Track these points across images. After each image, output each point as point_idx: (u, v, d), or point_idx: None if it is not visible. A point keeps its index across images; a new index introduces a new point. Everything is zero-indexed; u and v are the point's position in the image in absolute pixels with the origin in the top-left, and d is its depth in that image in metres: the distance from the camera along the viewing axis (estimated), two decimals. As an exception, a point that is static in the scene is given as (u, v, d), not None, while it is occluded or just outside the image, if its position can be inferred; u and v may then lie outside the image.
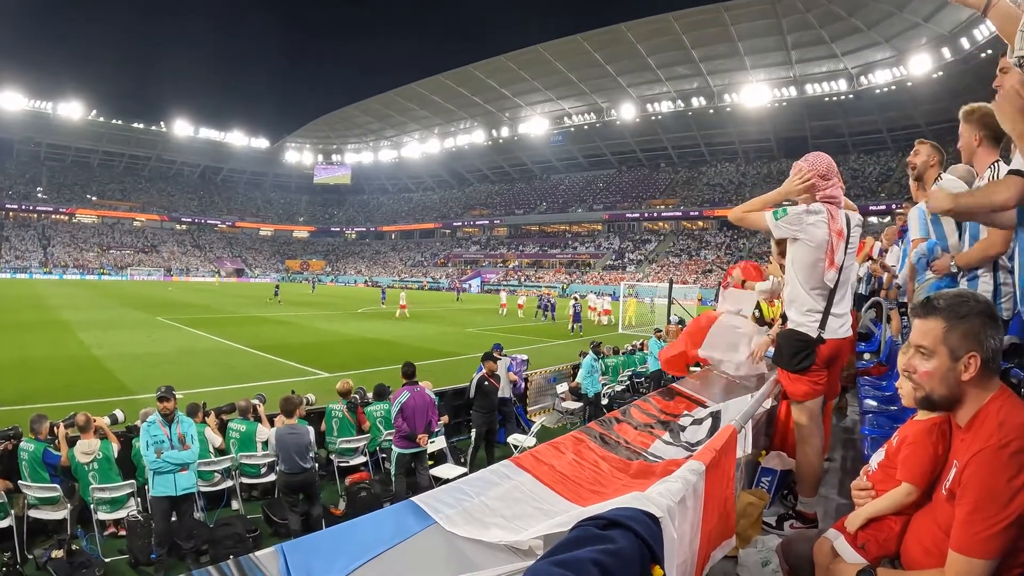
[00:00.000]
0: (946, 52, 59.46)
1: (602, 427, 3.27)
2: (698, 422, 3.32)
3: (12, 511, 7.25)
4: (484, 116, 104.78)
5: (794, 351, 3.79)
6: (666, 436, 3.16)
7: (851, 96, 71.69)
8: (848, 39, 65.49)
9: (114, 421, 8.55)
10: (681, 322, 22.74)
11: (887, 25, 61.34)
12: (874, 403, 5.33)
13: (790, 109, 77.98)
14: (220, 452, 8.88)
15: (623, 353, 18.80)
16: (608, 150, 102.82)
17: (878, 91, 69.09)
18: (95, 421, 7.93)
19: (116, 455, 7.84)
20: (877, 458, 2.53)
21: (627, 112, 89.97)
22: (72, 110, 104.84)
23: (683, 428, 3.28)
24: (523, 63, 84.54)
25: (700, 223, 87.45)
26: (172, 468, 7.08)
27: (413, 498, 2.19)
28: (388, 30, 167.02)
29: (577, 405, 14.26)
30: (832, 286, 3.75)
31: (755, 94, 77.53)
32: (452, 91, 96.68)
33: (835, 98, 73.21)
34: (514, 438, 11.44)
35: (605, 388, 14.86)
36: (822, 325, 3.76)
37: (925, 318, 1.95)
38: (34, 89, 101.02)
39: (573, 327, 33.28)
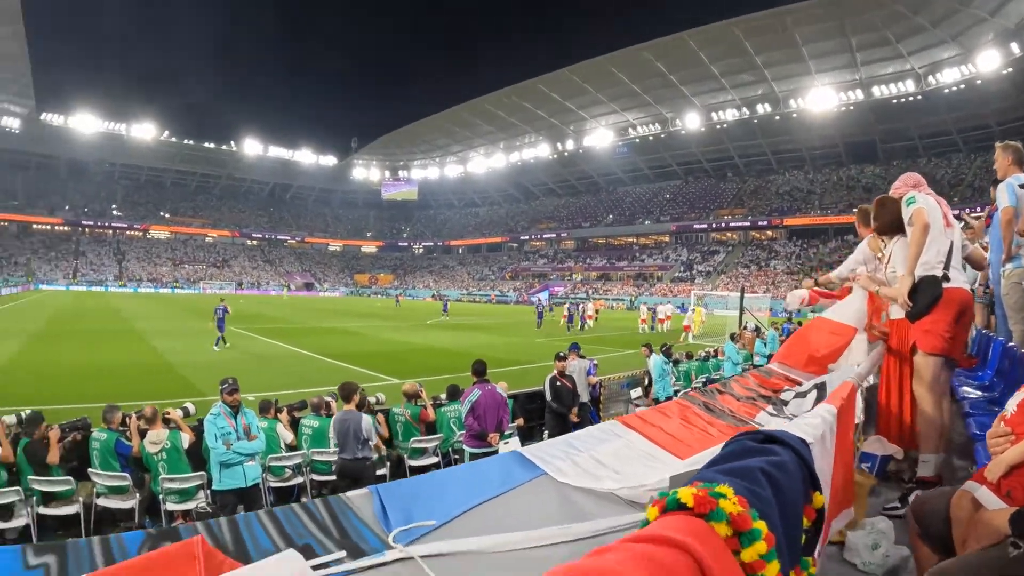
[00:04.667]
0: (1015, 47, 56.76)
1: (705, 396, 3.13)
2: (801, 395, 3.17)
3: (80, 498, 7.35)
4: (548, 129, 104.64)
5: (928, 291, 3.97)
6: (770, 408, 3.05)
7: (919, 97, 68.89)
8: (913, 38, 63.12)
9: (186, 414, 8.60)
10: (756, 329, 22.39)
11: (952, 22, 58.93)
12: (973, 392, 5.41)
13: (857, 113, 75.55)
14: (291, 448, 8.84)
15: (696, 359, 18.41)
16: (674, 160, 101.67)
17: (946, 91, 66.33)
18: (166, 413, 7.98)
19: (187, 446, 7.82)
20: (1015, 401, 2.36)
21: (692, 121, 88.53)
22: (145, 131, 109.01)
23: (785, 402, 3.15)
24: (586, 75, 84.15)
25: (769, 232, 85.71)
26: (240, 459, 7.06)
27: (520, 449, 2.04)
28: (452, 48, 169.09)
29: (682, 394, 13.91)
30: (949, 245, 4.12)
31: (821, 99, 75.28)
32: (516, 105, 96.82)
33: (903, 100, 70.44)
34: (587, 441, 11.19)
35: (679, 395, 14.46)
36: (946, 277, 4.03)
37: None
38: (108, 111, 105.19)
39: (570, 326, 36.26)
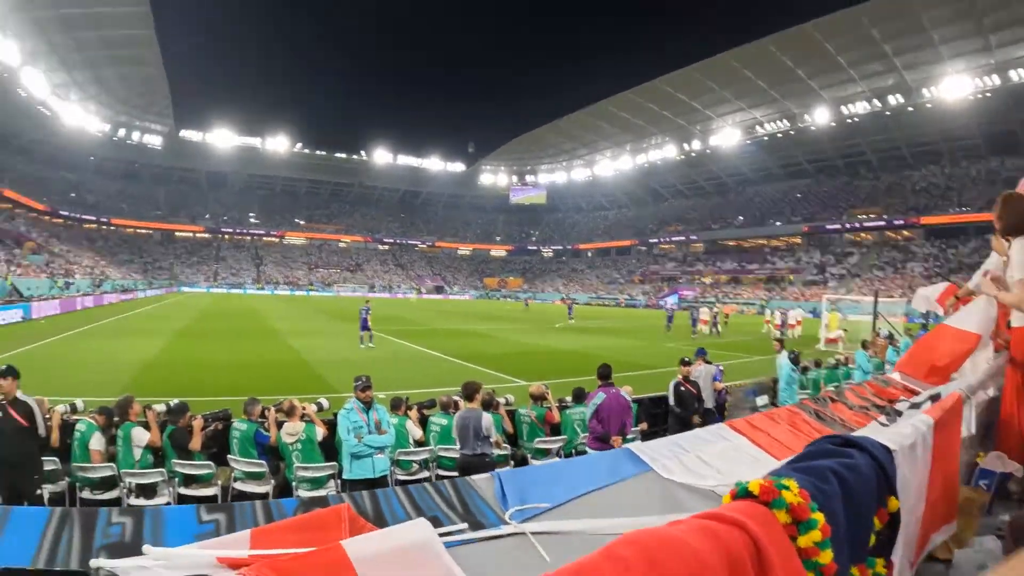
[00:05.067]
0: None
1: (817, 404, 3.17)
2: (916, 406, 3.12)
3: (219, 482, 8.01)
4: (674, 130, 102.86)
5: None
6: (882, 419, 2.99)
7: None
8: None
9: (320, 408, 9.14)
10: (890, 336, 21.43)
11: None
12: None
13: (995, 100, 69.22)
14: (419, 444, 9.25)
15: (825, 367, 17.82)
16: (804, 158, 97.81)
17: None
18: (302, 407, 8.50)
19: (320, 439, 8.32)
20: None
21: (821, 116, 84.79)
22: (278, 144, 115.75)
23: (900, 413, 3.09)
24: (710, 73, 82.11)
25: (906, 232, 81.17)
26: (370, 452, 7.47)
27: (629, 446, 2.22)
28: (576, 52, 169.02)
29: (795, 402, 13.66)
30: None
31: (955, 86, 69.70)
32: (641, 107, 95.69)
33: None
34: (709, 448, 11.11)
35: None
36: None
37: None
38: (242, 127, 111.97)
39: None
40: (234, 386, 15.79)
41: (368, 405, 7.75)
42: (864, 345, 17.73)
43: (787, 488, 1.22)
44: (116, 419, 8.08)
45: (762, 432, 2.54)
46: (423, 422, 9.69)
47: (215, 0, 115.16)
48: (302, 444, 8.13)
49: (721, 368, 13.84)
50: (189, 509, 1.86)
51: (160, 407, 8.45)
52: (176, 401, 8.56)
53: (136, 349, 23.18)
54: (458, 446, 8.21)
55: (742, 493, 1.24)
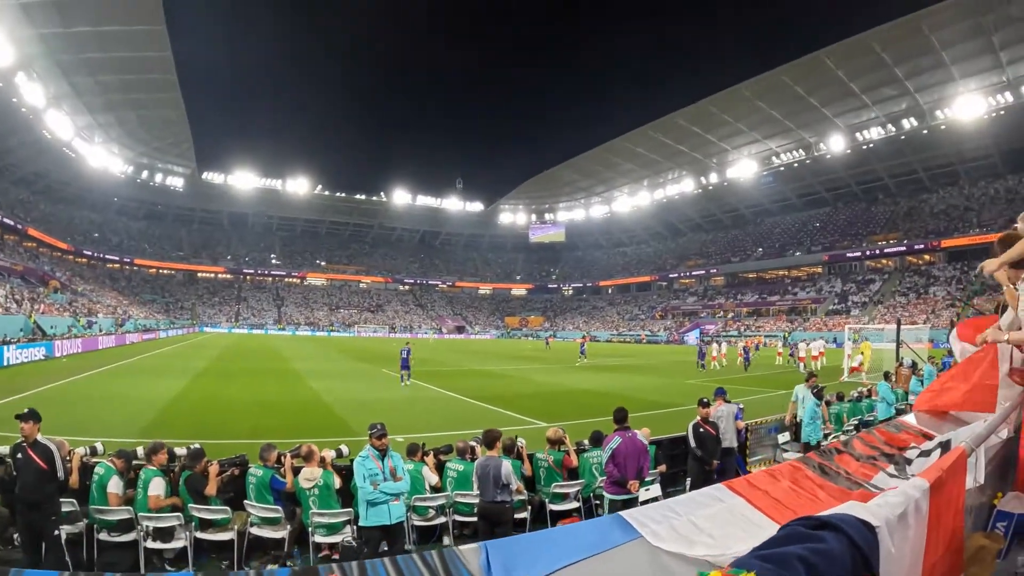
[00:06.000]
0: None
1: (822, 457, 3.09)
2: (926, 454, 3.01)
3: (235, 526, 7.98)
4: (691, 164, 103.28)
5: None
6: (890, 468, 2.89)
7: None
8: None
9: (339, 455, 9.20)
10: (913, 366, 21.11)
11: None
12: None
13: (1009, 117, 68.82)
14: (436, 490, 9.22)
15: (848, 400, 17.56)
16: (821, 187, 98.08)
17: None
18: (320, 453, 8.52)
19: (338, 485, 8.35)
20: None
21: (836, 144, 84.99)
22: (299, 186, 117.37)
23: (909, 461, 2.99)
24: (724, 106, 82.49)
25: (927, 256, 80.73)
26: (386, 498, 7.49)
27: (621, 512, 2.19)
28: (590, 89, 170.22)
29: (799, 456, 13.42)
30: None
31: (969, 106, 69.52)
32: (656, 142, 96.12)
33: None
34: (731, 488, 10.90)
35: (831, 438, 13.81)
36: None
37: None
38: (264, 168, 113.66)
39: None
40: (255, 427, 15.92)
41: (383, 452, 7.80)
42: (887, 376, 17.48)
43: (742, 578, 1.20)
44: (137, 463, 8.22)
45: (760, 492, 2.49)
46: (440, 468, 9.66)
47: (235, 45, 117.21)
48: (319, 490, 8.12)
49: (741, 406, 13.67)
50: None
51: (181, 450, 8.68)
52: (194, 446, 8.66)
53: (157, 389, 23.34)
54: (477, 492, 8.18)
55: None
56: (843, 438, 3.58)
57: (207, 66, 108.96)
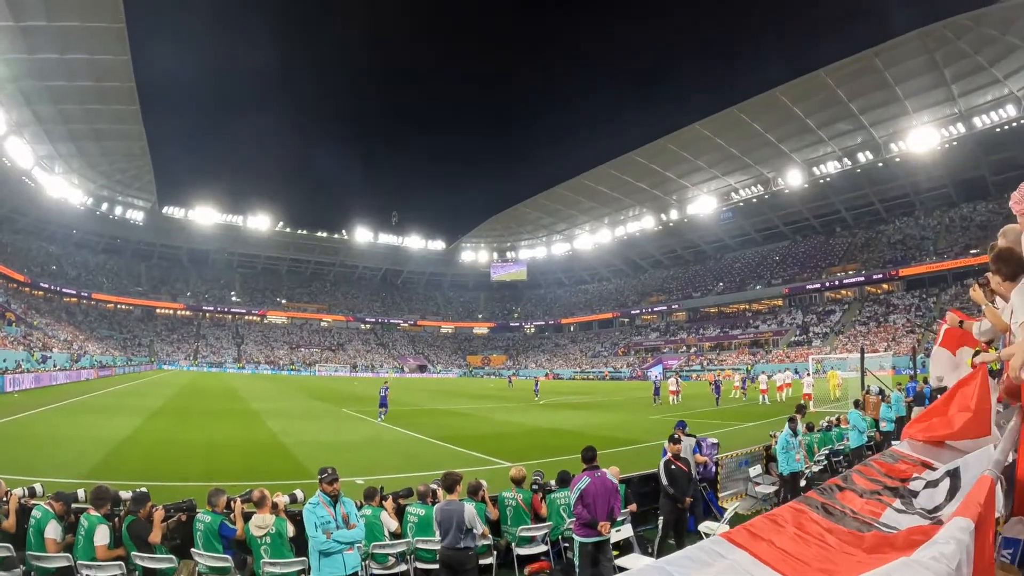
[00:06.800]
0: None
1: (823, 496, 2.75)
2: (933, 484, 2.70)
3: (183, 575, 7.50)
4: (651, 201, 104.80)
5: None
6: (897, 503, 2.60)
7: (1023, 121, 64.17)
8: (1007, 59, 59.48)
9: (294, 500, 8.73)
10: (881, 392, 21.18)
11: None
12: None
13: (962, 148, 71.07)
14: (396, 536, 8.73)
15: (818, 430, 17.41)
16: (780, 221, 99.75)
17: None
18: (272, 498, 8.01)
19: (291, 534, 7.84)
20: None
21: (794, 179, 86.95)
22: (260, 222, 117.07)
23: (915, 493, 2.69)
24: (683, 143, 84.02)
25: (885, 286, 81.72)
26: (340, 548, 6.98)
27: None
28: (548, 129, 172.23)
29: (772, 489, 13.21)
30: None
31: (922, 138, 71.75)
32: (617, 180, 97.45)
33: (1007, 127, 65.56)
34: (706, 526, 10.51)
35: (803, 468, 13.60)
36: None
37: None
38: (226, 205, 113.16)
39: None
40: (207, 470, 15.37)
41: (335, 498, 7.30)
42: (857, 404, 17.50)
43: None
44: (77, 506, 7.75)
45: (764, 542, 2.16)
46: (399, 512, 9.18)
47: (199, 78, 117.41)
48: (271, 538, 7.63)
49: (714, 442, 13.43)
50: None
51: (124, 494, 8.11)
52: (139, 490, 8.12)
53: (109, 427, 22.61)
54: (439, 538, 7.71)
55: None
56: (843, 473, 3.21)
57: (171, 97, 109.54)
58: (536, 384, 50.85)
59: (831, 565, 2.00)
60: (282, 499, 8.26)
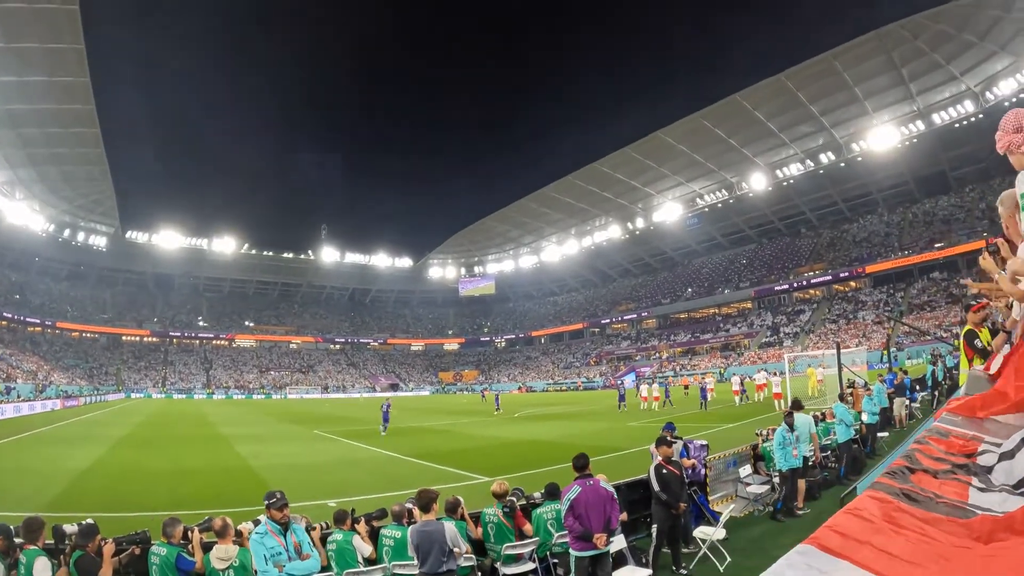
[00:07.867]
0: (1072, 44, 54.24)
1: (897, 480, 2.18)
2: (1009, 455, 2.21)
3: None
4: (617, 210, 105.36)
5: None
6: (975, 481, 2.11)
7: (980, 116, 64.97)
8: (963, 56, 61.08)
9: (257, 526, 7.93)
10: (865, 385, 21.06)
11: (998, 31, 56.67)
12: None
13: (921, 145, 72.67)
14: (370, 562, 8.00)
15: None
16: (746, 225, 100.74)
17: (1007, 103, 61.20)
18: (235, 527, 7.29)
19: (255, 565, 7.10)
20: None
21: (758, 183, 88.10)
22: (225, 245, 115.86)
23: (989, 468, 2.20)
24: (646, 152, 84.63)
25: (852, 283, 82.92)
26: (295, 582, 6.27)
27: None
28: (512, 142, 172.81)
29: (764, 488, 12.72)
30: None
31: (882, 137, 73.32)
32: (582, 190, 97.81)
33: (965, 122, 66.97)
34: (701, 531, 10.01)
35: (799, 465, 13.07)
36: None
37: None
38: (190, 228, 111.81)
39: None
40: (171, 498, 14.63)
41: (285, 526, 6.70)
42: (842, 399, 17.34)
43: None
44: (20, 541, 6.84)
45: (864, 545, 1.62)
46: (373, 535, 8.44)
47: (160, 99, 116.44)
48: (235, 571, 6.90)
49: (703, 444, 12.90)
50: None
51: (71, 527, 7.17)
52: (86, 521, 7.25)
53: (72, 457, 21.76)
54: (417, 563, 7.05)
55: None
56: (902, 452, 2.61)
57: (132, 119, 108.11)
58: (496, 398, 50.19)
59: (949, 564, 1.51)
60: (247, 527, 7.52)
